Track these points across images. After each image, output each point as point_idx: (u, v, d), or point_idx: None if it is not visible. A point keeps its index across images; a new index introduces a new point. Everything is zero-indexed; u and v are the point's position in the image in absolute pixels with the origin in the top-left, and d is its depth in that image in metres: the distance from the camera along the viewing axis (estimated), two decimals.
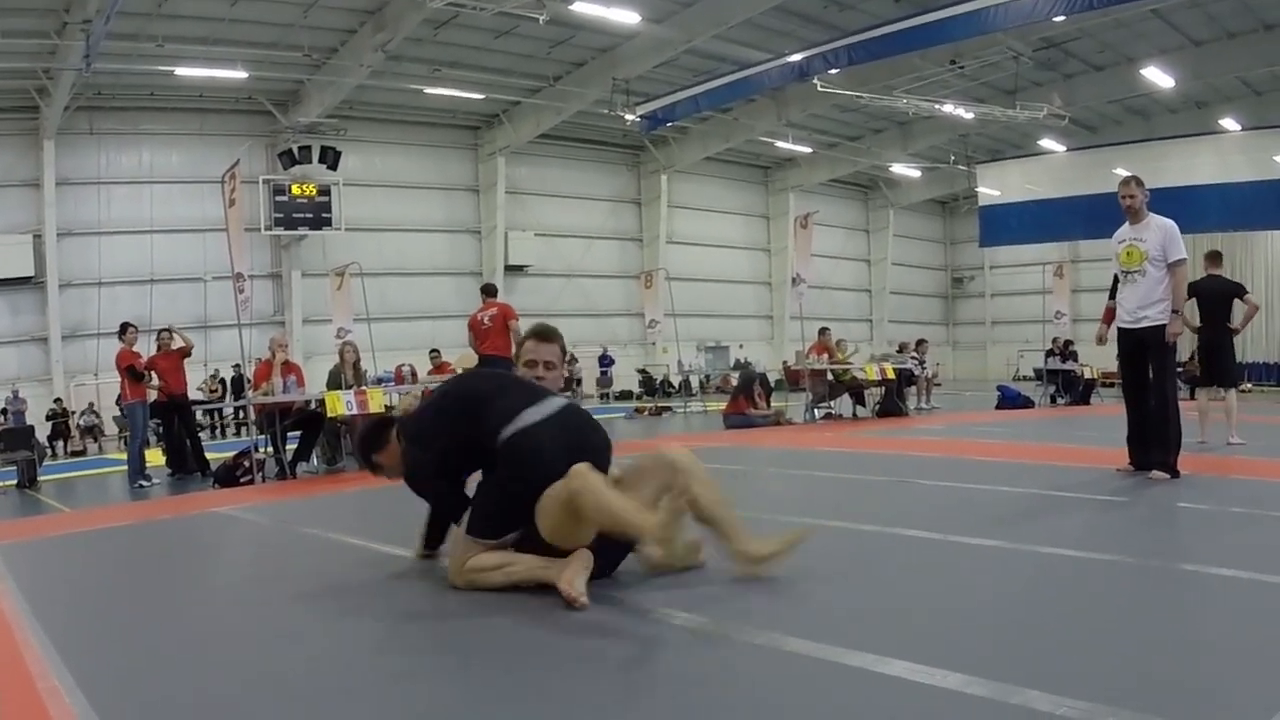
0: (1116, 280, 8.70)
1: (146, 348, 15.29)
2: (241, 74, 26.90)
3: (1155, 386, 8.42)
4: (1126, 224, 8.59)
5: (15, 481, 16.04)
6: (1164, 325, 8.23)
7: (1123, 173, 9.90)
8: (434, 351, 22.29)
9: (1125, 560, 5.16)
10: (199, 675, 3.91)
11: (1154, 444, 8.30)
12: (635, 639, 4.08)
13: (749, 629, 3.98)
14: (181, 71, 26.42)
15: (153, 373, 14.55)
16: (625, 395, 36.27)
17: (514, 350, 10.00)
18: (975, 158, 36.58)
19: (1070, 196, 24.41)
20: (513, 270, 35.24)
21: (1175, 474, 8.12)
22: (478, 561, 4.92)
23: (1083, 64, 32.02)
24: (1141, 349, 8.43)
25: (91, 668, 4.00)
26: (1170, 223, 8.36)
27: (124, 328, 14.76)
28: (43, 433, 22.86)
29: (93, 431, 27.51)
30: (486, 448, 4.95)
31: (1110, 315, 8.83)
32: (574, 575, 4.56)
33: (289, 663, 4.06)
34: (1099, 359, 23.95)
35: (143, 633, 4.71)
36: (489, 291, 15.39)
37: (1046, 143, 34.68)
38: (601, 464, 4.91)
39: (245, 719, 3.39)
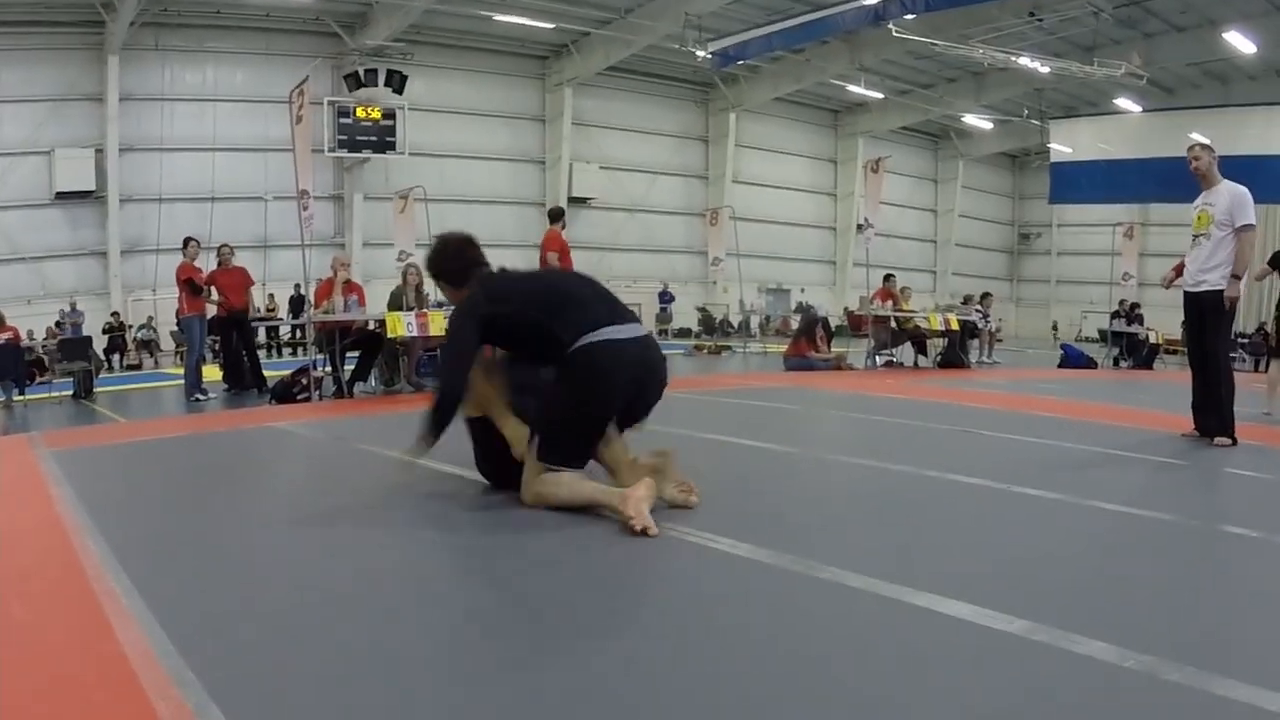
0: None
1: (207, 263, 15.16)
2: None
3: (1209, 350, 8.27)
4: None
5: (71, 392, 16.16)
6: (1220, 290, 8.00)
7: (1198, 138, 9.62)
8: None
9: (1182, 521, 5.06)
10: (253, 585, 3.89)
11: (1211, 409, 8.13)
12: (696, 568, 4.03)
13: (812, 563, 3.92)
14: None
15: (212, 288, 14.47)
16: (684, 333, 36.15)
17: None
18: (1049, 113, 35.89)
19: (1143, 158, 23.97)
20: (576, 202, 35.01)
21: (1233, 440, 7.94)
22: (546, 480, 4.89)
23: (1164, 24, 31.37)
24: (1200, 313, 8.22)
25: (148, 573, 3.92)
26: (1242, 189, 8.10)
27: (186, 241, 14.65)
28: (99, 346, 22.93)
29: (149, 346, 27.70)
30: (554, 340, 4.86)
31: (1180, 269, 8.60)
32: (640, 502, 4.52)
33: (340, 576, 4.01)
34: (1164, 324, 23.54)
35: (198, 541, 4.67)
36: (555, 216, 15.01)
37: (1122, 102, 33.92)
38: (653, 400, 5.13)
39: (298, 630, 3.32)
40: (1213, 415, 8.10)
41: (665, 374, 5.21)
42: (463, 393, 4.95)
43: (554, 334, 4.85)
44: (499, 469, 5.34)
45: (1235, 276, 7.95)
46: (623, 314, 5.07)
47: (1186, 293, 8.34)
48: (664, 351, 5.42)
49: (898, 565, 3.91)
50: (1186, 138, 21.59)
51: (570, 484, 4.86)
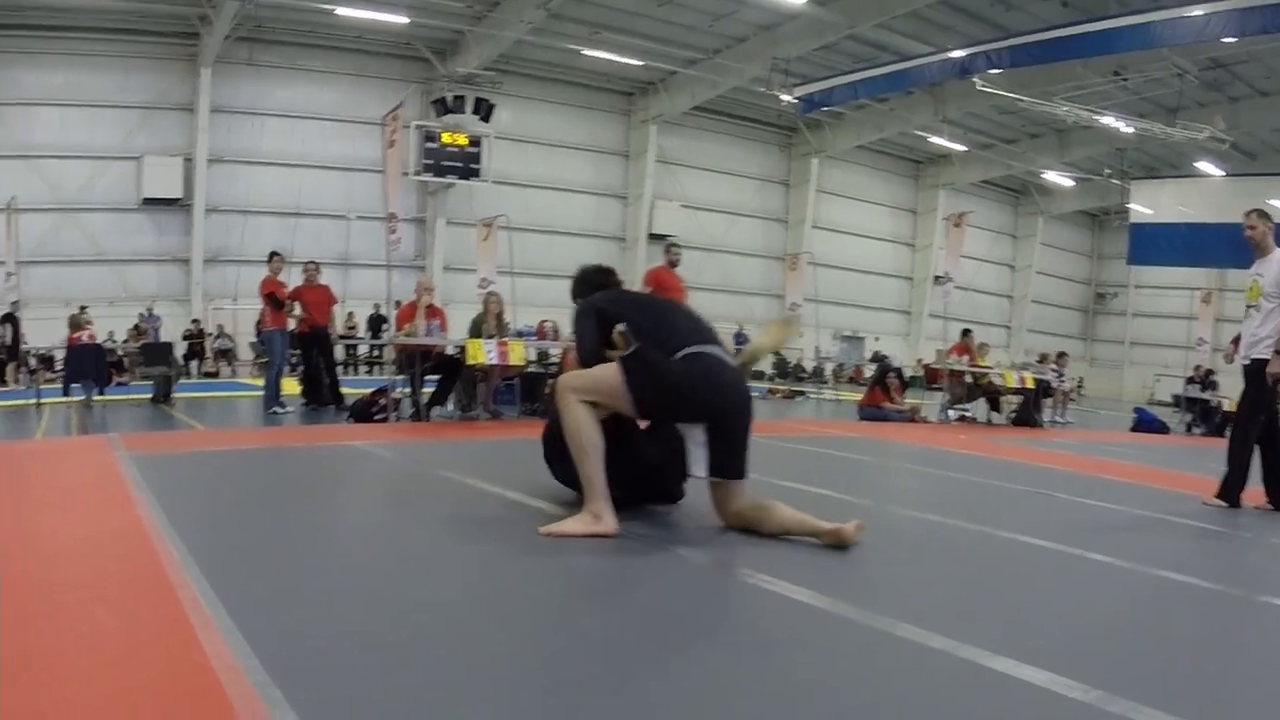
0: None
1: (290, 279, 15.33)
2: (403, 19, 27.14)
3: (1238, 417, 8.30)
4: None
5: (150, 395, 16.37)
6: (1263, 361, 7.89)
7: (1278, 204, 9.47)
8: None
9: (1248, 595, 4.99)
10: (332, 601, 3.91)
11: (1230, 474, 8.08)
12: (770, 615, 4.02)
13: (888, 619, 3.88)
14: (342, 11, 26.66)
15: (296, 302, 14.62)
16: (758, 375, 35.99)
17: None
18: (1130, 173, 35.57)
19: (1223, 223, 23.45)
20: (656, 239, 35.05)
21: (1236, 504, 7.96)
22: (582, 406, 5.24)
23: (1248, 88, 31.15)
24: (1246, 382, 8.17)
25: (231, 583, 3.97)
26: None
27: (270, 256, 14.85)
28: (178, 351, 23.23)
29: (227, 355, 28.04)
30: (654, 342, 5.35)
31: (1238, 341, 8.57)
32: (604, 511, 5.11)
33: (417, 596, 4.05)
34: (1238, 392, 23.11)
35: (279, 554, 4.74)
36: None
37: (1204, 165, 33.50)
38: (746, 415, 5.49)
39: (377, 647, 3.35)
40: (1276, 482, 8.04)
41: (750, 404, 5.56)
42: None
43: (654, 338, 5.34)
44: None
45: (1278, 351, 7.80)
46: (713, 337, 5.63)
47: (1243, 365, 8.23)
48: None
49: (973, 626, 3.88)
50: (1267, 204, 21.35)
51: (591, 430, 5.20)
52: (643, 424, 5.73)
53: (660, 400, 5.28)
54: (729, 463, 5.37)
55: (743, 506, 5.44)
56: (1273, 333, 7.83)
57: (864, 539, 5.24)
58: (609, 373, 5.24)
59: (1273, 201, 20.57)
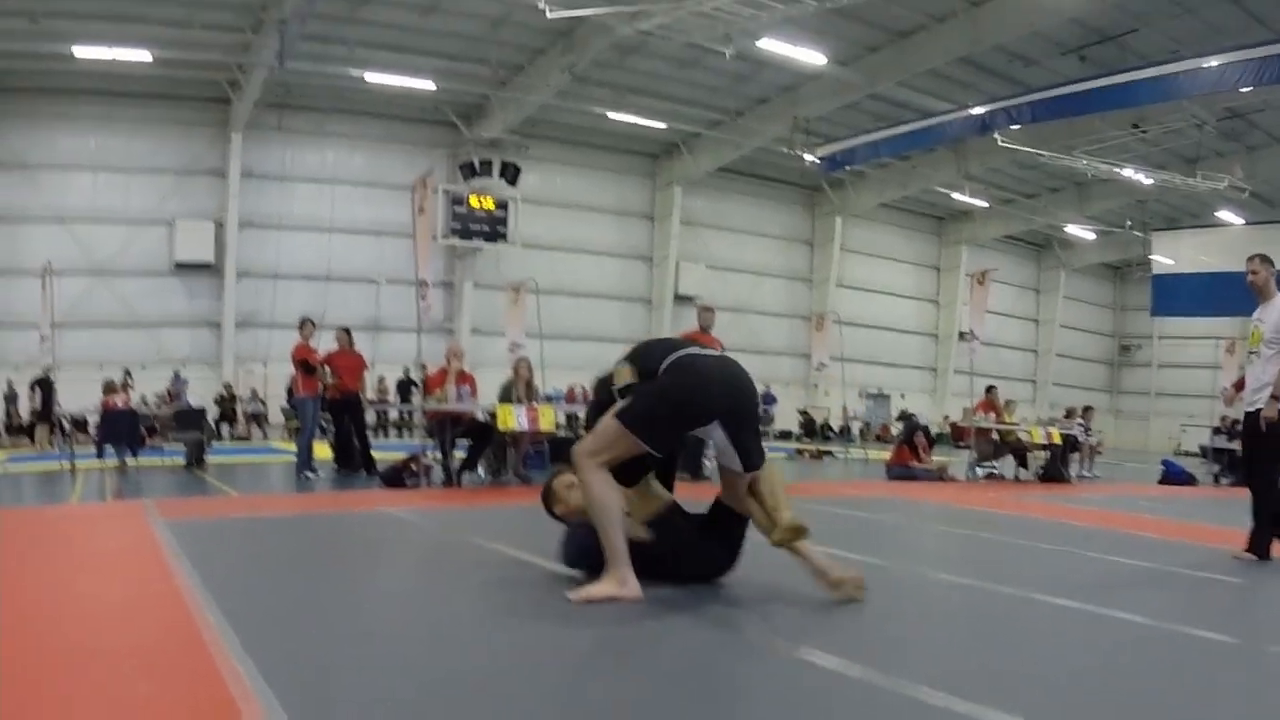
0: None
1: (321, 343, 15.48)
2: (429, 84, 27.50)
3: (1256, 470, 8.23)
4: None
5: (184, 460, 16.50)
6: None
7: None
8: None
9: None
10: (370, 670, 3.95)
11: (1257, 527, 8.01)
12: (794, 681, 3.99)
13: (920, 687, 3.86)
14: (371, 77, 27.08)
15: (327, 368, 14.76)
16: (785, 435, 36.03)
17: None
18: (1151, 224, 35.66)
19: (1245, 271, 23.57)
20: (682, 300, 35.26)
21: (1266, 557, 7.87)
22: (598, 470, 5.27)
23: (1267, 136, 31.31)
24: (1248, 431, 8.16)
25: (270, 653, 4.03)
26: None
27: (301, 323, 14.99)
28: (210, 415, 23.42)
29: (258, 418, 28.22)
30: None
31: (1241, 384, 8.53)
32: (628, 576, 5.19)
33: (455, 666, 4.11)
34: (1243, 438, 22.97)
35: (316, 622, 4.79)
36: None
37: (1225, 214, 33.64)
38: (751, 412, 5.73)
39: (409, 716, 3.44)
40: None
41: (754, 390, 5.77)
42: None
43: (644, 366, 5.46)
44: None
45: (1275, 397, 7.78)
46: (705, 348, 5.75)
47: (1245, 412, 8.22)
48: (767, 453, 5.63)
49: (1002, 691, 3.87)
50: None
51: (608, 495, 5.23)
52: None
53: (662, 422, 5.34)
54: (754, 449, 5.57)
55: (755, 489, 5.63)
56: (1272, 379, 7.83)
57: (893, 601, 5.31)
58: (608, 421, 5.31)
59: None
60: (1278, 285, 8.22)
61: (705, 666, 4.21)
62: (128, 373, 25.85)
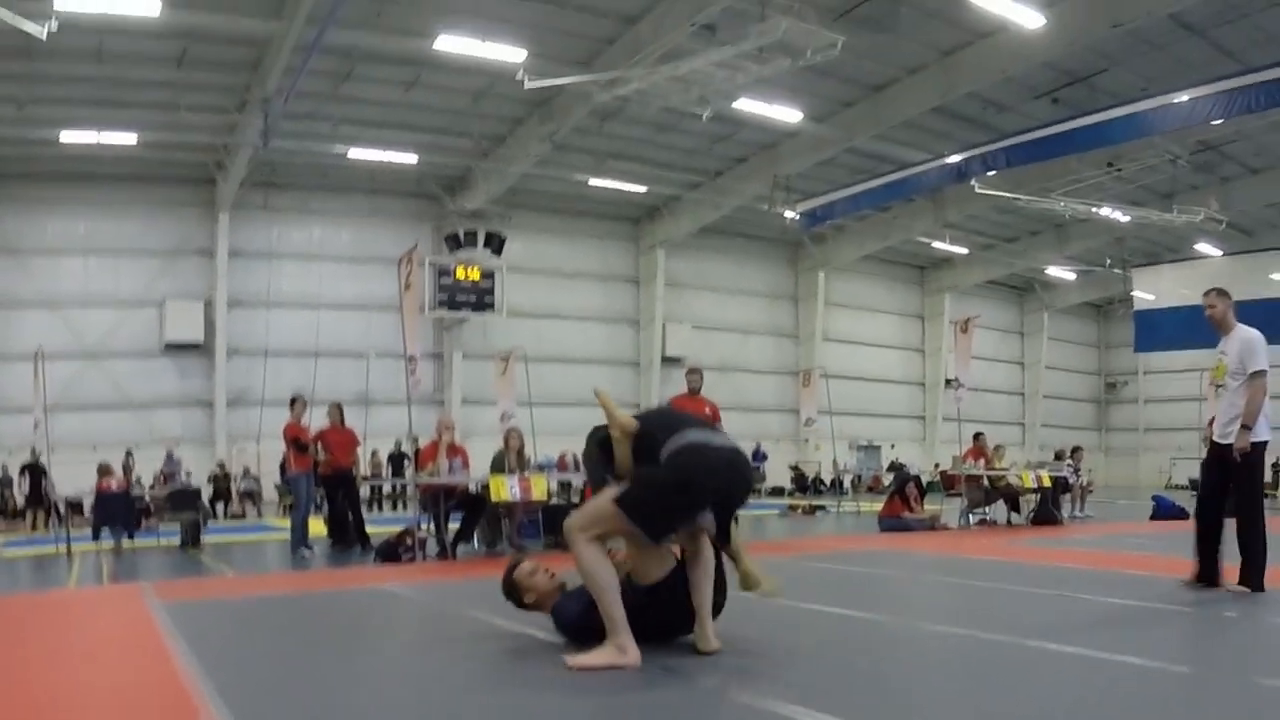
0: None
1: (313, 420, 15.56)
2: (412, 158, 27.84)
3: (1239, 503, 8.22)
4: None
5: (179, 540, 16.50)
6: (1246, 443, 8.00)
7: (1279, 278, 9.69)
8: None
9: None
10: None
11: (1247, 560, 8.08)
12: None
13: None
14: (354, 153, 27.48)
15: (319, 445, 14.82)
16: (777, 491, 36.01)
17: None
18: (1131, 261, 35.87)
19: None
20: (669, 361, 35.36)
21: (1260, 589, 7.92)
22: (592, 543, 5.32)
23: (1240, 167, 31.77)
24: (1222, 464, 8.21)
25: None
26: (1253, 333, 8.18)
27: (293, 400, 15.07)
28: (204, 494, 23.42)
29: (252, 496, 28.18)
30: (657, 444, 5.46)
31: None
32: (627, 643, 5.22)
33: None
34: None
35: (313, 705, 4.82)
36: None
37: (1203, 246, 34.08)
38: (741, 499, 5.82)
39: None
40: (1211, 564, 8.17)
41: (751, 479, 5.84)
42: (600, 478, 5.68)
43: (659, 441, 5.46)
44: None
45: (1244, 426, 7.92)
46: (712, 428, 5.83)
47: (1214, 442, 8.34)
48: (758, 512, 5.81)
49: None
50: (1269, 279, 21.56)
51: (600, 568, 5.29)
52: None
53: (662, 515, 5.41)
54: (724, 527, 5.72)
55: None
56: (1241, 410, 7.98)
57: (890, 656, 5.40)
58: (604, 501, 5.40)
59: (1274, 276, 20.90)
60: (1236, 317, 8.39)
61: None
62: (129, 453, 25.96)
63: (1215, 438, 8.35)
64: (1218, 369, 8.37)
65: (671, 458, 5.35)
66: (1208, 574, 8.26)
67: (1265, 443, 8.10)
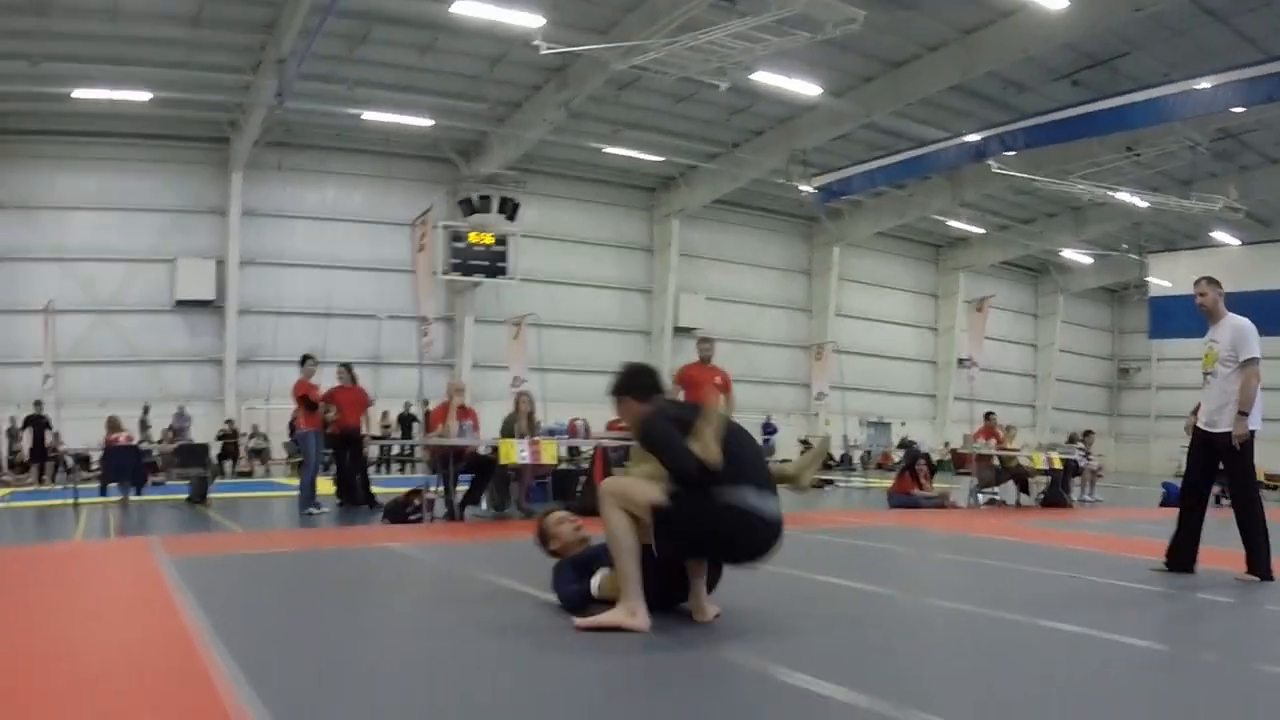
0: None
1: (324, 380, 15.54)
2: (427, 122, 27.71)
3: (1234, 493, 8.29)
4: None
5: (187, 496, 16.55)
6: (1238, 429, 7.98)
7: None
8: None
9: None
10: (382, 707, 3.98)
11: (1251, 549, 8.09)
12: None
13: (909, 709, 3.90)
14: (369, 116, 27.31)
15: (331, 405, 14.82)
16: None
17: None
18: (1147, 247, 35.78)
19: (1242, 291, 23.40)
20: (681, 332, 35.30)
21: (1269, 577, 7.92)
22: (622, 517, 5.28)
23: (1259, 156, 31.61)
24: (1211, 453, 8.23)
25: (279, 691, 4.07)
26: (1244, 321, 8.19)
27: (304, 359, 15.10)
28: (213, 451, 23.47)
29: (261, 454, 28.28)
30: (708, 476, 5.22)
31: (1199, 411, 8.64)
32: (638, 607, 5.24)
33: (459, 700, 4.14)
34: (1265, 459, 22.95)
35: (324, 659, 4.83)
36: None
37: (1220, 235, 33.85)
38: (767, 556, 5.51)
39: None
40: (1188, 551, 8.23)
41: (778, 544, 5.51)
42: (695, 466, 5.22)
43: (722, 478, 5.23)
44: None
45: (1241, 413, 7.90)
46: (769, 484, 5.47)
47: (1198, 429, 8.35)
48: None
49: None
50: None
51: (627, 535, 5.26)
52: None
53: (684, 548, 5.43)
54: (715, 580, 5.80)
55: None
56: (1234, 397, 7.96)
57: (900, 630, 5.41)
58: (647, 495, 5.30)
59: None
60: (1226, 306, 8.42)
61: (713, 700, 4.22)
62: (146, 409, 26.08)
63: (1202, 425, 8.33)
64: (1207, 357, 8.34)
65: (724, 511, 5.23)
66: (1184, 560, 8.28)
67: (1254, 431, 8.09)
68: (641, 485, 5.39)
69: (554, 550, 6.17)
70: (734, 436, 5.48)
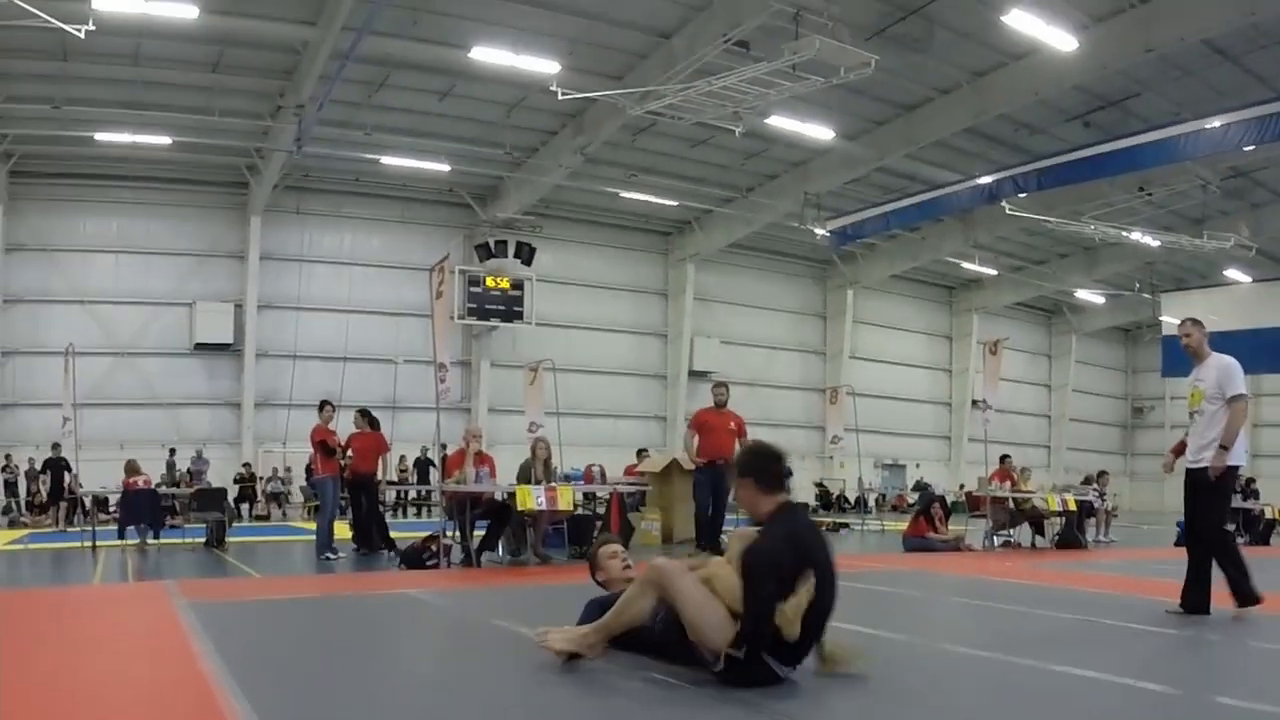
0: None
1: (341, 423, 15.62)
2: (444, 167, 27.93)
3: (1201, 528, 8.33)
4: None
5: (204, 539, 16.59)
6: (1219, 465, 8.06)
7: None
8: (642, 451, 22.21)
9: None
10: None
11: (1231, 581, 8.13)
12: None
13: None
14: (387, 160, 27.61)
15: (348, 450, 14.90)
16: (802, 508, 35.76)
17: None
18: (1160, 286, 35.83)
19: (1254, 328, 23.65)
20: (696, 375, 35.39)
21: (1258, 599, 8.04)
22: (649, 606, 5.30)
23: (1271, 193, 31.61)
24: (1195, 490, 8.27)
25: None
26: (1230, 360, 8.27)
27: (322, 405, 15.14)
28: (230, 495, 23.54)
29: (278, 498, 28.34)
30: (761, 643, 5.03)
31: (1180, 448, 8.71)
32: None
33: None
34: (1275, 497, 22.88)
35: (340, 707, 4.83)
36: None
37: (1232, 273, 33.79)
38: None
39: None
40: (1201, 593, 8.18)
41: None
42: (766, 636, 4.98)
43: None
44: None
45: (1223, 447, 7.98)
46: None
47: (1188, 469, 8.37)
48: None
49: None
50: None
51: (632, 622, 5.35)
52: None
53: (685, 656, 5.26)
54: None
55: None
56: (1219, 435, 8.04)
57: (920, 679, 5.40)
58: (716, 627, 5.05)
59: None
60: (1211, 346, 8.50)
61: None
62: (173, 451, 26.28)
63: (1189, 464, 8.40)
64: (1193, 396, 8.41)
65: (755, 664, 5.05)
66: (1197, 602, 8.26)
67: (1237, 467, 8.26)
68: (717, 614, 5.08)
69: (600, 581, 6.27)
70: (816, 609, 5.17)
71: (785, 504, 5.53)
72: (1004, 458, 19.81)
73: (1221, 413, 8.11)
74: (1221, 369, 8.23)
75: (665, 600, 5.20)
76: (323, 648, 6.77)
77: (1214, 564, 8.25)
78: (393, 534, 15.28)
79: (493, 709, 4.92)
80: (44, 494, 24.47)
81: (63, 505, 23.09)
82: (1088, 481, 22.58)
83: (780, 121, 24.45)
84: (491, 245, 30.66)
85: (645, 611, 5.30)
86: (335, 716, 4.66)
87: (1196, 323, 8.51)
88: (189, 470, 25.92)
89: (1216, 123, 19.10)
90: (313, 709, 4.81)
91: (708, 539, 13.94)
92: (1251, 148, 20.77)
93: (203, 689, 5.07)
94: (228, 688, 5.00)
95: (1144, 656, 6.77)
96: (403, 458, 27.82)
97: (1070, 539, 18.72)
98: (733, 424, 14.48)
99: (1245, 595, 8.07)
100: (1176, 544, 19.74)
